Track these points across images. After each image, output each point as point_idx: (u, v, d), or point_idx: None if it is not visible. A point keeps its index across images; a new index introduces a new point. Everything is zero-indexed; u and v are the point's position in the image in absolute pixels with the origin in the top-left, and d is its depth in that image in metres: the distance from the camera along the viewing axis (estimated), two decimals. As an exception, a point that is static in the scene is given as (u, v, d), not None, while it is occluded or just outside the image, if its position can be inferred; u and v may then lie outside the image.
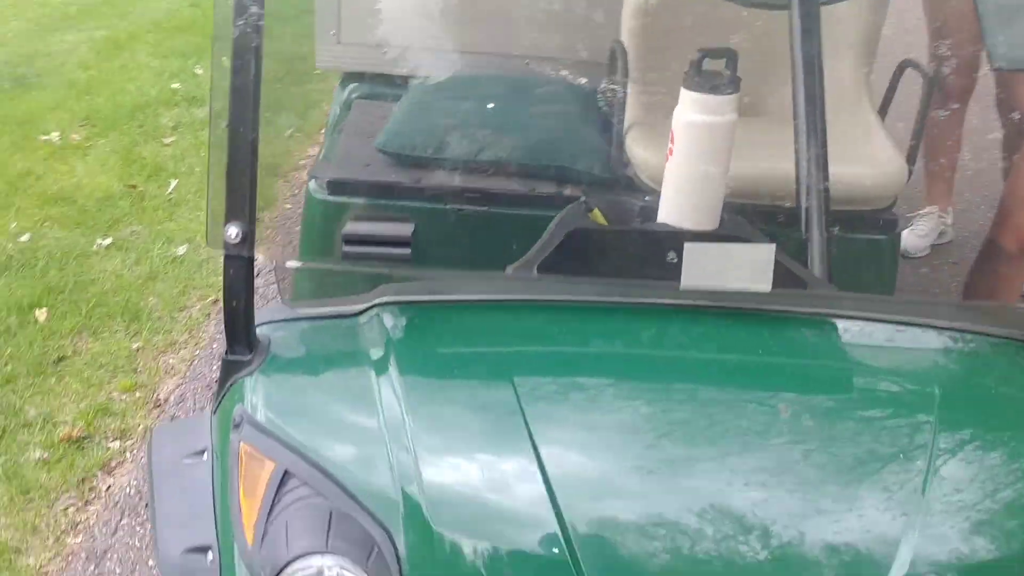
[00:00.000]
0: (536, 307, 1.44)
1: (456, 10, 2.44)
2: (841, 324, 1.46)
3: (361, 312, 1.39)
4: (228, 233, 1.27)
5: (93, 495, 2.40)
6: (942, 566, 1.12)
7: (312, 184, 2.15)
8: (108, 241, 3.47)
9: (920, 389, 1.38)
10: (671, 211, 1.54)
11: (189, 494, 1.32)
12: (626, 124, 2.14)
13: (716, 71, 1.50)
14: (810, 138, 1.62)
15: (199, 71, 5.08)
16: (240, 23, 1.24)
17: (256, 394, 1.30)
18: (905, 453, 1.21)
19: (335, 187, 2.09)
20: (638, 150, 2.08)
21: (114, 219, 3.63)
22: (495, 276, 1.52)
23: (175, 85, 4.91)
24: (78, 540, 2.26)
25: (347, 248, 1.75)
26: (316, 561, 1.15)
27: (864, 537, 1.13)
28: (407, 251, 1.71)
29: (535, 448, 1.17)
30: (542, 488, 1.14)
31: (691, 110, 1.49)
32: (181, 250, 3.44)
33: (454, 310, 1.45)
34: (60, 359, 2.85)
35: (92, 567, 2.19)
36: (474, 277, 1.56)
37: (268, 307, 1.47)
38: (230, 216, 1.27)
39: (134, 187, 3.87)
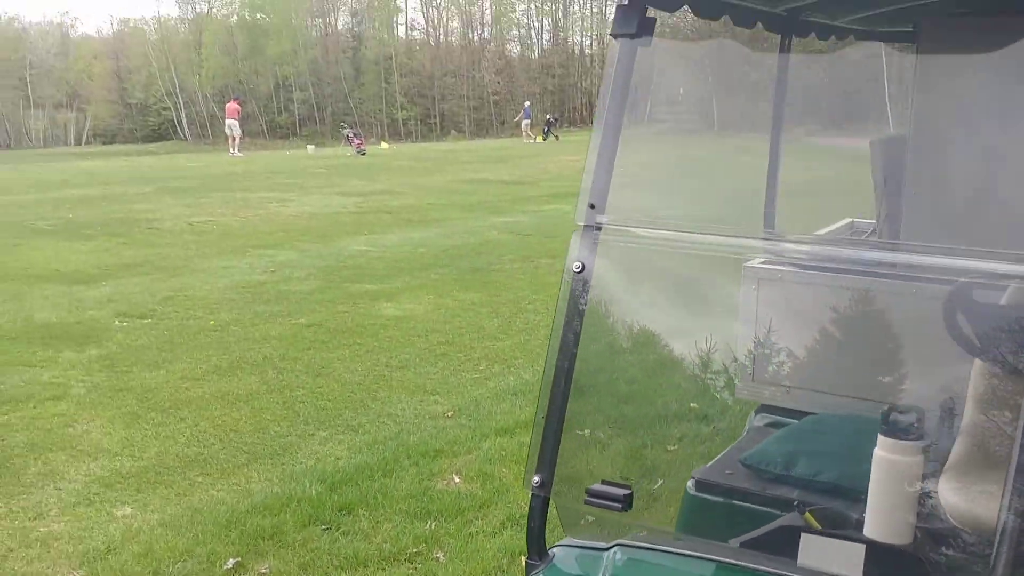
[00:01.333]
0: (706, 562, 1.98)
1: (840, 368, 3.06)
2: None
3: (606, 548, 2.08)
4: (534, 480, 2.08)
5: None
6: None
7: (689, 483, 2.86)
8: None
9: None
10: (871, 526, 1.96)
11: None
12: (946, 467, 2.50)
13: (903, 421, 1.95)
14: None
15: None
16: (561, 345, 2.09)
17: None
18: None
19: (698, 484, 2.77)
20: (948, 492, 2.43)
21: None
22: (699, 542, 2.09)
23: (693, 404, 5.92)
24: None
25: (588, 498, 2.33)
26: None
27: None
28: (618, 505, 2.16)
29: None
30: None
31: (883, 449, 1.95)
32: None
33: (658, 556, 2.07)
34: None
35: None
36: (681, 540, 2.12)
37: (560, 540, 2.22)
38: (536, 469, 2.09)
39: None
